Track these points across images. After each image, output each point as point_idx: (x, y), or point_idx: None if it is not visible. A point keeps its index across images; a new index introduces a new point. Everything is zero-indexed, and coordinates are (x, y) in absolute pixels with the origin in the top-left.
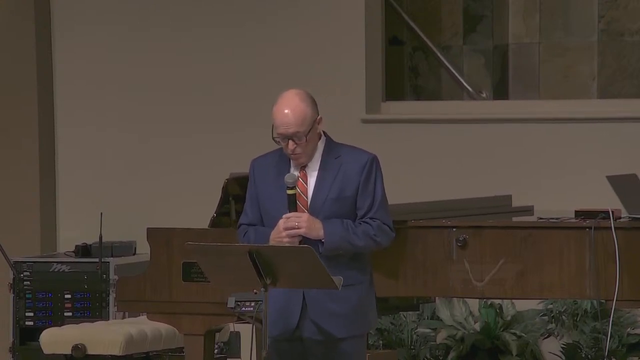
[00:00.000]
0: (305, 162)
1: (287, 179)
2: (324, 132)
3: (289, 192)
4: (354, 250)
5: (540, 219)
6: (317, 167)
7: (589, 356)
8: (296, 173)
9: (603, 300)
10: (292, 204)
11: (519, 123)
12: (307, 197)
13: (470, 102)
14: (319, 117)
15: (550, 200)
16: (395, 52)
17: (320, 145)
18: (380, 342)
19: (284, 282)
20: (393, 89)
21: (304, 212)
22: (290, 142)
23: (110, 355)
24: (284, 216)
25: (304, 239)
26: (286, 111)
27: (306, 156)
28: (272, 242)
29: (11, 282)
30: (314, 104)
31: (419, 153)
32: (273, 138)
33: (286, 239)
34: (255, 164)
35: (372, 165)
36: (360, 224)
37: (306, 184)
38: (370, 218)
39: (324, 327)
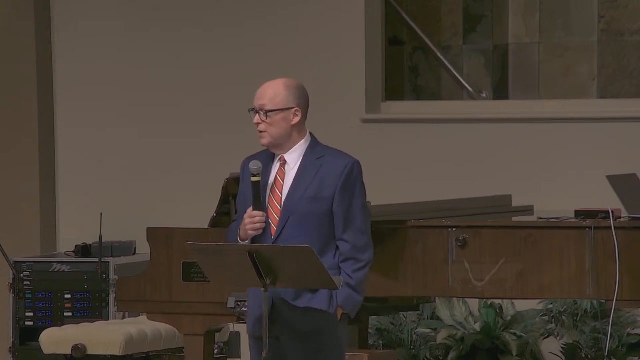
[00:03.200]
0: (267, 144)
1: (251, 165)
2: (310, 133)
3: (253, 179)
4: (364, 289)
5: (540, 219)
6: (297, 166)
7: (589, 356)
8: (275, 168)
9: (603, 300)
10: (256, 191)
11: (519, 123)
12: (281, 194)
13: (470, 102)
14: (295, 108)
15: (550, 200)
16: (395, 52)
17: (304, 144)
18: (380, 342)
19: (284, 282)
20: (393, 89)
21: (275, 206)
22: (256, 115)
23: (110, 355)
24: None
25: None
26: (264, 85)
27: (269, 138)
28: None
29: (11, 282)
30: (298, 95)
31: (419, 153)
32: (249, 110)
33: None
34: (244, 163)
35: (353, 170)
36: (340, 272)
37: (282, 181)
38: (343, 240)
39: (295, 322)
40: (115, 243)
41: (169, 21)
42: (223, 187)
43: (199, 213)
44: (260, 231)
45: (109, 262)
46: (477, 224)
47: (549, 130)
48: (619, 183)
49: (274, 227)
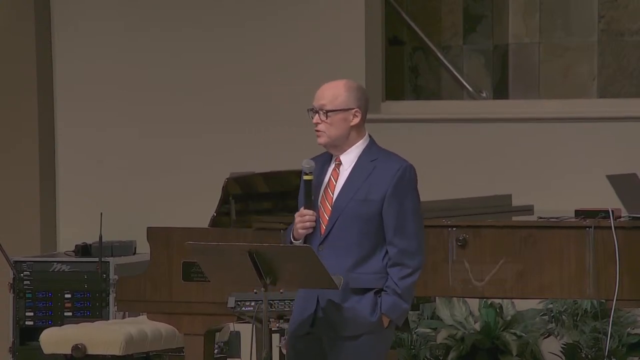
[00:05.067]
0: (324, 144)
1: (304, 164)
2: (369, 135)
3: (305, 177)
4: (412, 297)
5: (540, 218)
6: (351, 167)
7: (589, 356)
8: (331, 168)
9: (603, 300)
10: (307, 190)
11: (519, 123)
12: (333, 194)
13: (470, 102)
14: (355, 109)
15: (550, 200)
16: (395, 52)
17: (361, 146)
18: None
19: (284, 282)
20: (393, 89)
21: (327, 206)
22: (316, 115)
23: (110, 355)
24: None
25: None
26: (325, 86)
27: (327, 138)
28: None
29: (11, 282)
30: (358, 96)
31: (418, 153)
32: (308, 110)
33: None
34: None
35: (405, 174)
36: (387, 278)
37: (335, 182)
38: (392, 244)
39: (337, 325)
40: (115, 243)
41: (169, 21)
42: (223, 187)
43: (199, 213)
44: (311, 230)
45: (109, 261)
46: (477, 223)
47: (549, 130)
48: (619, 183)
49: (323, 227)
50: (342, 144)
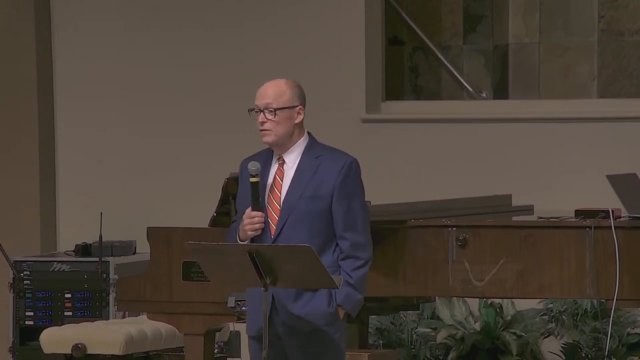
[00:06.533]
0: (272, 142)
1: (250, 166)
2: (309, 132)
3: (252, 180)
4: (364, 287)
5: (540, 218)
6: (296, 165)
7: (589, 356)
8: (274, 168)
9: (603, 300)
10: (255, 192)
11: (519, 123)
12: (280, 194)
13: (470, 102)
14: (299, 107)
15: (550, 200)
16: (395, 52)
17: (303, 143)
18: (380, 342)
19: (284, 282)
20: (393, 89)
21: (275, 206)
22: (261, 114)
23: (110, 355)
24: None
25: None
26: (267, 85)
27: (274, 136)
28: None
29: (11, 281)
30: (299, 94)
31: (418, 153)
32: (249, 110)
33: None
34: (243, 164)
35: (351, 169)
36: (340, 271)
37: (281, 181)
38: (343, 238)
39: (294, 321)
40: (115, 243)
41: (169, 21)
42: (223, 187)
43: (199, 213)
44: (260, 232)
45: (109, 261)
46: (477, 223)
47: (549, 130)
48: (619, 183)
49: (273, 227)
50: (287, 142)
